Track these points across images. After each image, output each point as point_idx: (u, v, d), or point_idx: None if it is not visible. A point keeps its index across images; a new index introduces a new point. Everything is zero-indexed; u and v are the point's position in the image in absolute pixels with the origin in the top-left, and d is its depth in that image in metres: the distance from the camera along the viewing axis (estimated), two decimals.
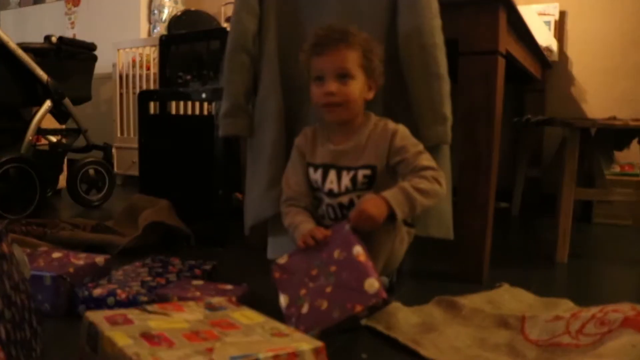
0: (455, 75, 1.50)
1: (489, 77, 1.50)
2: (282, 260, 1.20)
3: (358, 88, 1.26)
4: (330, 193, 1.30)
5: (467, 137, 1.53)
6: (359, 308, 1.03)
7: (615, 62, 2.79)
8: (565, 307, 1.29)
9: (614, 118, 2.01)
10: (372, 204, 1.16)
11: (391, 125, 1.30)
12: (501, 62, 1.54)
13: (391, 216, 1.18)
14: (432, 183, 1.21)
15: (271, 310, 1.11)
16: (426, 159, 1.25)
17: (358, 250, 1.10)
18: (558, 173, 1.92)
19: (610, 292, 1.56)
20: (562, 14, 2.88)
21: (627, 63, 2.77)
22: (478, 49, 1.50)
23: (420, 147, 1.28)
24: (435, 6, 1.39)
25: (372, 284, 1.04)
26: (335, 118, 1.30)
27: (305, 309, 1.09)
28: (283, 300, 1.14)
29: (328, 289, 1.09)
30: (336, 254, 1.12)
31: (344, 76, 1.24)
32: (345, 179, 1.28)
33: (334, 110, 1.27)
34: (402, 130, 1.29)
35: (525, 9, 2.69)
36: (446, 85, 1.40)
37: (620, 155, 2.55)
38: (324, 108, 1.28)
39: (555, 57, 2.82)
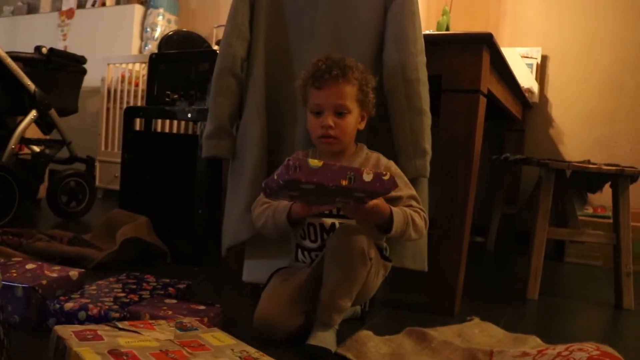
0: (438, 111, 1.54)
1: (470, 114, 1.54)
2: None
3: (353, 121, 1.31)
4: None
5: (445, 172, 1.56)
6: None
7: (592, 107, 2.88)
8: (532, 343, 1.31)
9: (589, 162, 2.07)
10: (384, 205, 1.22)
11: (383, 160, 1.36)
12: (482, 101, 1.58)
13: (383, 228, 1.25)
14: (422, 222, 1.30)
15: (243, 332, 1.11)
16: (418, 203, 1.33)
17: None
18: (533, 211, 1.96)
19: (577, 330, 1.59)
20: (544, 58, 2.97)
21: (604, 109, 2.85)
22: (460, 86, 1.55)
23: (413, 190, 1.35)
24: (420, 43, 1.43)
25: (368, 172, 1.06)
26: (329, 149, 1.34)
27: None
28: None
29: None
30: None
31: (341, 113, 1.29)
32: None
33: (329, 142, 1.31)
34: (395, 168, 1.36)
35: (509, 50, 2.78)
36: (427, 120, 1.44)
37: (594, 198, 2.61)
38: (319, 139, 1.32)
39: (535, 98, 2.90)
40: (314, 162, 1.02)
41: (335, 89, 1.27)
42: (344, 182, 1.03)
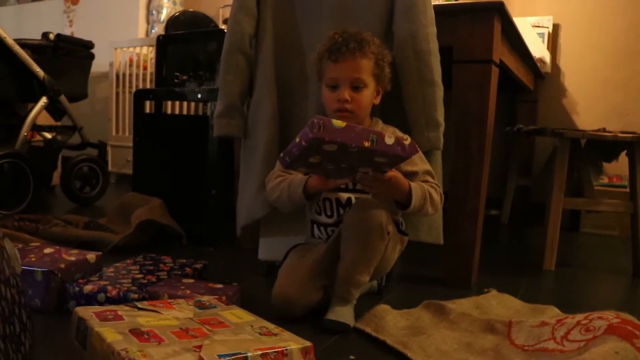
0: (449, 83, 1.52)
1: (482, 85, 1.52)
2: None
3: (369, 96, 1.30)
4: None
5: (459, 144, 1.55)
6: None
7: (606, 76, 2.82)
8: (551, 313, 1.31)
9: (604, 130, 2.04)
10: (402, 178, 1.22)
11: (399, 134, 1.33)
12: (494, 71, 1.55)
13: (402, 204, 1.24)
14: (438, 197, 1.30)
15: (260, 310, 1.12)
16: (433, 178, 1.32)
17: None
18: (548, 182, 1.94)
19: (596, 299, 1.58)
20: (556, 27, 2.91)
21: (618, 76, 2.80)
22: (472, 57, 1.52)
23: (428, 165, 1.34)
24: (430, 14, 1.41)
25: (390, 137, 1.05)
26: None
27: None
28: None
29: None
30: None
31: (357, 86, 1.27)
32: None
33: (344, 116, 1.28)
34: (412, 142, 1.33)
35: (520, 20, 2.72)
36: (439, 92, 1.42)
37: (609, 167, 2.58)
38: (335, 113, 1.30)
39: (548, 68, 2.84)
40: (338, 123, 1.02)
41: (352, 62, 1.26)
42: (366, 144, 1.03)
